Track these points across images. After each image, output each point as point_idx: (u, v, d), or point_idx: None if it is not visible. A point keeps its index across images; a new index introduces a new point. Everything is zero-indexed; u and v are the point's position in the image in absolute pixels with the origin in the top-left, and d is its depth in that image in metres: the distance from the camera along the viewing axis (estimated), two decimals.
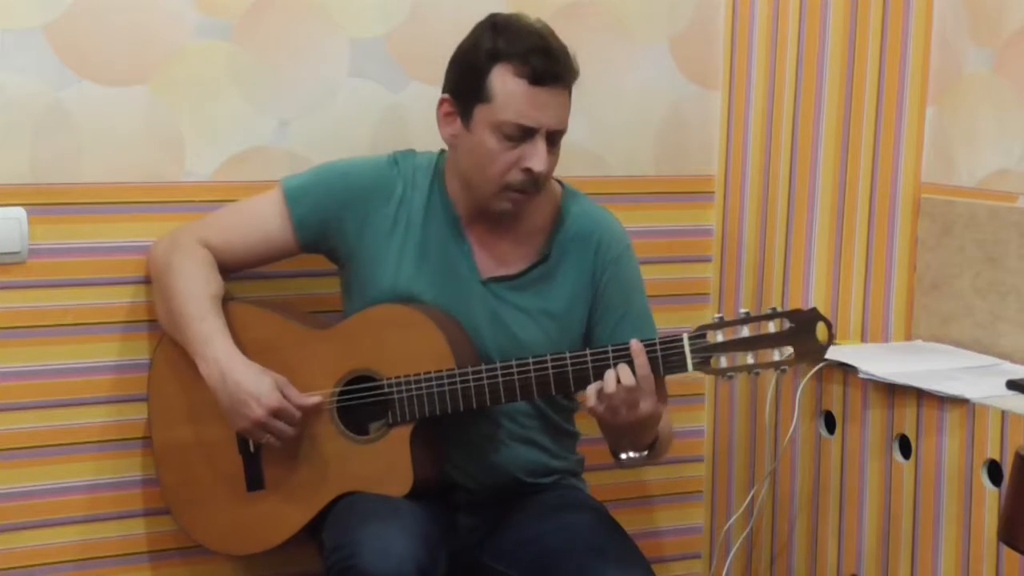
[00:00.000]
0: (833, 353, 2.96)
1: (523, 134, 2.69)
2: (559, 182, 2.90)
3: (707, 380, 3.43)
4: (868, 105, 3.07)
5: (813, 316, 2.59)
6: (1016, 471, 2.24)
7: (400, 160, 2.87)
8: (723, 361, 2.61)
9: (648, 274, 3.01)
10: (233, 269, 2.89)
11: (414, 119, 2.91)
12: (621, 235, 2.89)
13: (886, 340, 3.10)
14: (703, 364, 2.61)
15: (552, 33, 2.74)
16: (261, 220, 2.86)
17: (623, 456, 2.76)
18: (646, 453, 2.75)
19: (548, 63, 2.68)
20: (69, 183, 2.91)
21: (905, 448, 2.83)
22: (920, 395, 2.77)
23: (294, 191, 2.85)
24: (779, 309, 2.61)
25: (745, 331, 2.60)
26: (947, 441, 2.73)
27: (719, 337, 2.61)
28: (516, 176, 2.71)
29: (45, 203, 2.89)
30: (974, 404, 2.68)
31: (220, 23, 2.97)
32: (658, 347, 2.62)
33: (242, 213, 2.89)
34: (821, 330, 2.59)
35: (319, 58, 3.04)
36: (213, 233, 2.86)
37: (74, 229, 2.92)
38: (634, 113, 3.30)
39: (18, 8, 2.84)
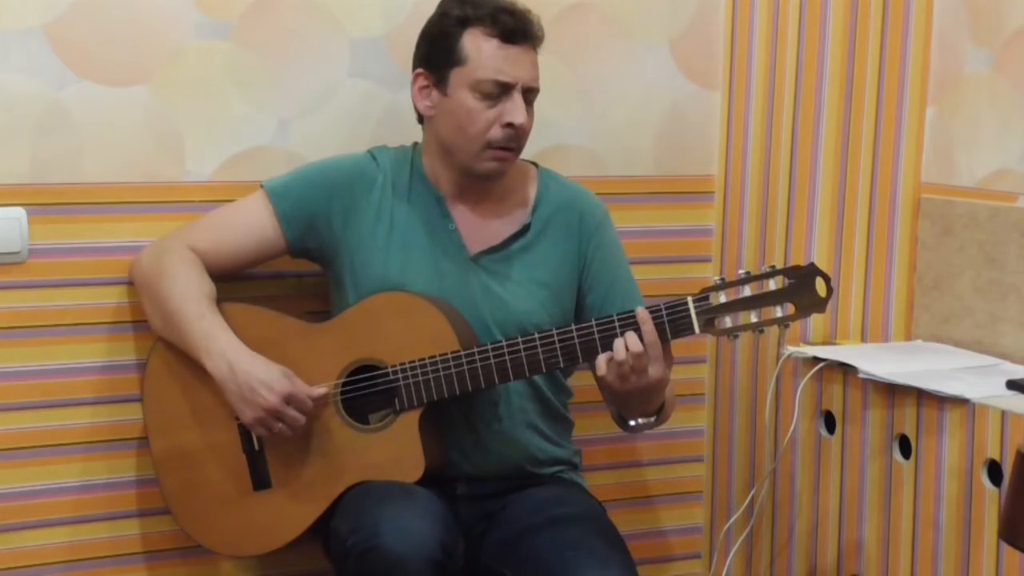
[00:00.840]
0: (833, 353, 2.97)
1: (500, 90, 2.77)
2: (534, 164, 2.96)
3: (707, 380, 3.43)
4: (868, 105, 3.07)
5: (811, 271, 2.64)
6: (1016, 471, 2.23)
7: (377, 154, 2.92)
8: (727, 321, 2.65)
9: (648, 274, 3.02)
10: (221, 273, 2.88)
11: (414, 119, 2.91)
12: (599, 204, 2.97)
13: (886, 340, 3.10)
14: (708, 325, 2.66)
15: (520, 3, 2.83)
16: (247, 220, 2.87)
17: (632, 423, 2.80)
18: (654, 419, 2.80)
19: (516, 21, 2.78)
20: (69, 183, 2.91)
21: (905, 448, 2.83)
22: (920, 395, 2.77)
23: (277, 189, 2.87)
24: (778, 266, 2.65)
25: (747, 290, 2.64)
26: (947, 441, 2.73)
27: (722, 298, 2.65)
28: (497, 132, 2.78)
29: (45, 203, 2.89)
30: (974, 404, 2.68)
31: (220, 23, 2.97)
32: (664, 312, 2.66)
33: (227, 216, 2.90)
34: (820, 284, 2.63)
35: (319, 58, 3.05)
36: (199, 237, 2.87)
37: (74, 229, 2.92)
38: (634, 113, 3.30)
39: (18, 8, 2.84)
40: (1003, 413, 2.63)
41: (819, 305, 2.64)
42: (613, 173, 3.29)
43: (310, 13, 3.03)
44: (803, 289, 2.63)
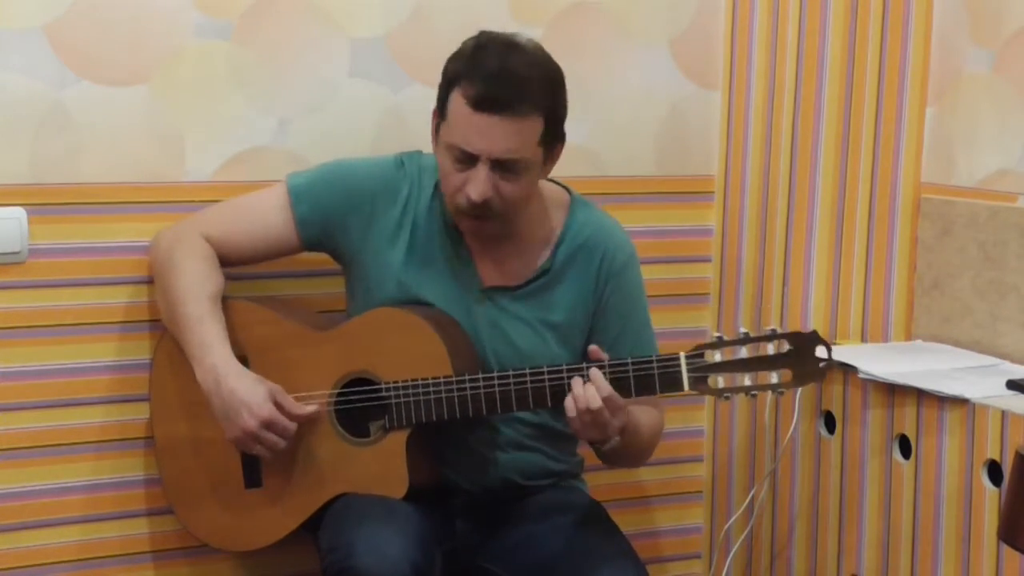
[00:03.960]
0: (833, 353, 2.97)
1: (467, 158, 2.66)
2: (567, 189, 2.89)
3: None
4: (868, 105, 3.07)
5: (813, 339, 2.58)
6: (1016, 471, 2.24)
7: (407, 161, 2.85)
8: (720, 381, 2.59)
9: (648, 274, 3.01)
10: (235, 263, 2.88)
11: (414, 120, 2.91)
12: (625, 245, 2.87)
13: (886, 340, 3.10)
14: (699, 383, 2.59)
15: (527, 62, 2.66)
16: (264, 216, 2.86)
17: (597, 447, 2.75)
18: (618, 438, 2.68)
19: (492, 89, 2.61)
20: (69, 183, 2.91)
21: (905, 448, 2.83)
22: (920, 395, 2.77)
23: (298, 188, 2.84)
24: (779, 330, 2.59)
25: (743, 351, 2.58)
26: (947, 441, 2.73)
27: (717, 357, 2.59)
28: (461, 199, 2.69)
29: (45, 203, 2.89)
30: (974, 404, 2.68)
31: (220, 23, 2.97)
32: (655, 365, 2.61)
33: (246, 207, 2.88)
34: (821, 352, 2.58)
35: (319, 58, 3.04)
36: (216, 226, 2.85)
37: (74, 229, 2.92)
38: (634, 113, 3.29)
39: (18, 8, 2.84)
40: (1003, 413, 2.63)
41: (818, 375, 2.58)
42: (613, 173, 3.29)
43: (310, 13, 3.03)
44: (802, 357, 2.57)
